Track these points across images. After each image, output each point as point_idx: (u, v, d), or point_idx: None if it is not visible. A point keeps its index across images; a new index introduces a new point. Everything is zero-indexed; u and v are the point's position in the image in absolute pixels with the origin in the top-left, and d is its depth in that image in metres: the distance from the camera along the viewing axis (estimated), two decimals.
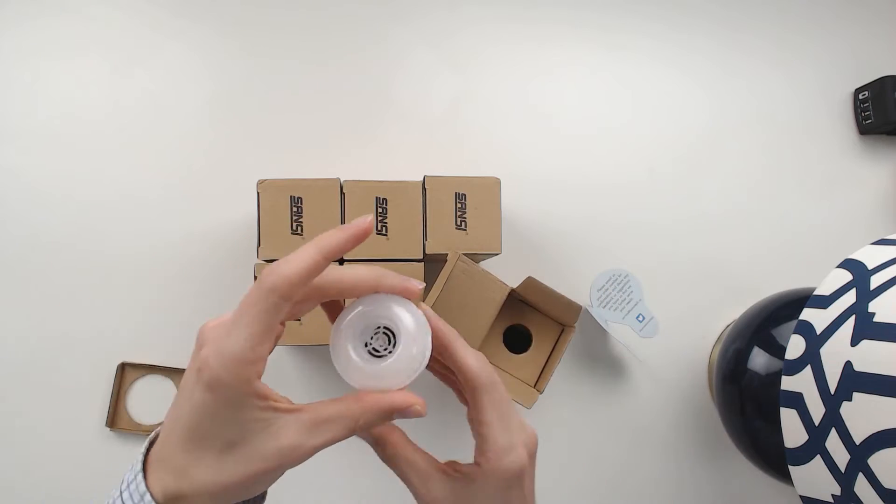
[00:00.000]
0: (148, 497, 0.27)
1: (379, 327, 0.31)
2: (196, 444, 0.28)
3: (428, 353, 0.31)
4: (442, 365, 0.36)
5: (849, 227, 0.70)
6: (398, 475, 0.33)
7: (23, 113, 0.62)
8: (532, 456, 0.33)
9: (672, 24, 0.69)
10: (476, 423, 0.32)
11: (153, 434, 0.31)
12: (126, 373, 0.61)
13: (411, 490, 0.33)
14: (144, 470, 0.29)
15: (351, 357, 0.31)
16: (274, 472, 0.29)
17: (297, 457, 0.28)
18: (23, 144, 0.62)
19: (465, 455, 0.35)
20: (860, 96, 0.69)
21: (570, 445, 0.65)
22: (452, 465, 0.33)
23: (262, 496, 0.35)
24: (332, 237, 0.29)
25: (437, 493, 0.32)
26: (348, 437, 0.30)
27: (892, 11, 0.72)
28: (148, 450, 0.30)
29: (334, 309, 0.33)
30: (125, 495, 0.28)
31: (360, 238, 0.29)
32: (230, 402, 0.27)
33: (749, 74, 0.70)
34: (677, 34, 0.70)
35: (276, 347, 0.60)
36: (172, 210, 0.63)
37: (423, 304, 0.32)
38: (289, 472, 0.30)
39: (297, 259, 0.28)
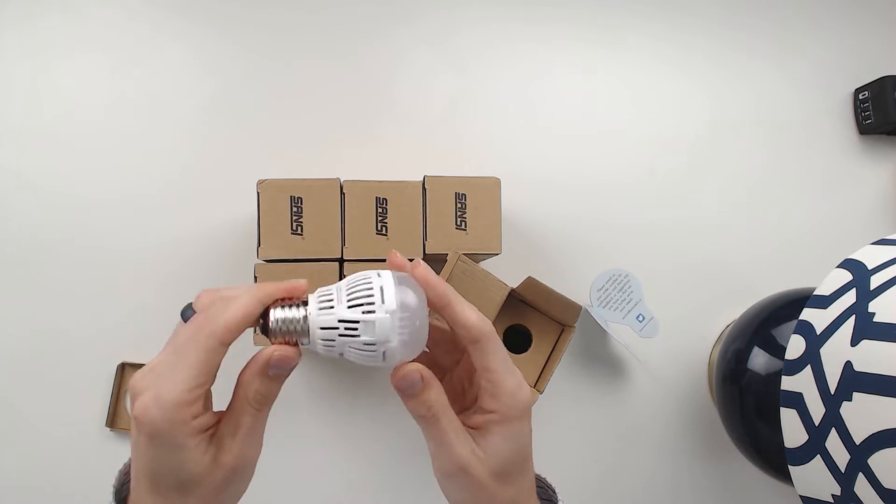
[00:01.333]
0: None
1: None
2: (158, 488, 0.29)
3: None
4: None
5: (849, 227, 0.70)
6: (430, 423, 0.32)
7: (23, 112, 0.62)
8: (530, 393, 0.35)
9: (672, 24, 0.69)
10: (483, 371, 0.32)
11: (120, 480, 0.33)
12: (126, 373, 0.61)
13: (440, 442, 0.32)
14: None
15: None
16: (230, 485, 0.30)
17: (234, 461, 0.30)
18: (23, 144, 0.62)
19: None
20: (860, 96, 0.69)
21: (569, 445, 0.65)
22: (464, 421, 0.33)
23: None
24: (269, 287, 0.30)
25: (466, 446, 0.32)
26: (259, 416, 0.31)
27: (892, 11, 0.72)
28: (124, 487, 0.32)
29: None
30: None
31: (293, 291, 0.31)
32: (170, 448, 0.28)
33: (749, 74, 0.70)
34: (677, 34, 0.70)
35: None
36: (173, 210, 0.63)
37: (420, 262, 0.32)
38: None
39: (237, 307, 0.29)
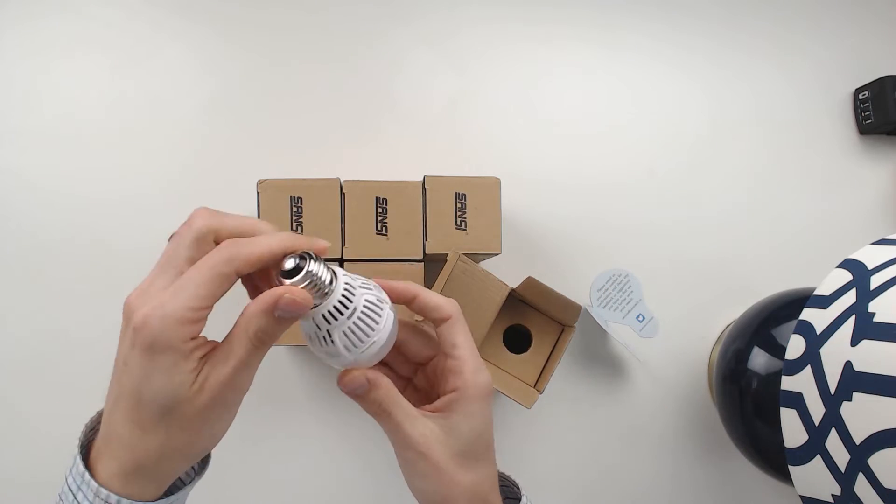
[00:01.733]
0: (94, 484, 0.29)
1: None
2: (138, 413, 0.29)
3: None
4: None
5: (849, 227, 0.70)
6: (383, 419, 0.34)
7: (24, 112, 0.62)
8: (490, 381, 0.37)
9: (672, 23, 0.69)
10: (451, 348, 0.35)
11: (88, 425, 0.33)
12: None
13: (396, 432, 0.34)
14: (87, 458, 0.31)
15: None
16: (210, 417, 0.30)
17: (221, 390, 0.29)
18: (23, 144, 0.62)
19: None
20: (860, 96, 0.69)
21: (569, 445, 0.65)
22: (426, 407, 0.36)
23: (208, 456, 0.36)
24: (297, 236, 0.31)
25: (423, 430, 0.34)
26: (254, 353, 0.30)
27: (892, 11, 0.72)
28: (89, 440, 0.32)
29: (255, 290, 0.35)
30: (69, 480, 0.30)
31: (318, 250, 0.32)
32: (164, 364, 0.28)
33: (749, 74, 0.70)
34: (677, 34, 0.70)
35: (277, 347, 0.61)
36: (173, 210, 0.62)
37: (376, 279, 0.34)
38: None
39: (263, 244, 0.30)
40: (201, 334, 0.30)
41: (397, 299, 0.35)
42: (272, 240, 0.30)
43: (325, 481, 0.63)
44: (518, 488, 0.40)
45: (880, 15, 0.72)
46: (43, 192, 0.62)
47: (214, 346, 0.30)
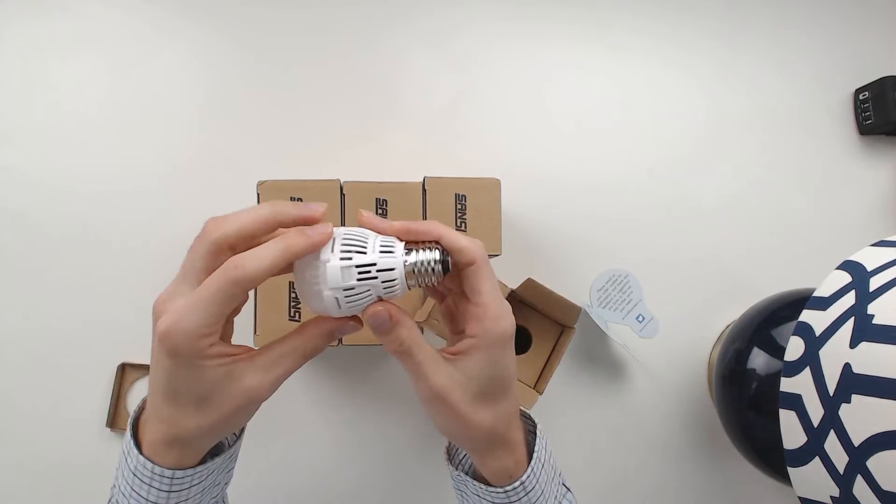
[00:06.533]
0: (133, 447, 0.34)
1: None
2: (174, 399, 0.32)
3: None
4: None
5: (849, 227, 0.70)
6: (405, 358, 0.35)
7: (23, 111, 0.62)
8: (513, 323, 0.37)
9: (672, 23, 0.69)
10: (474, 294, 0.35)
11: (140, 403, 0.36)
12: (126, 373, 0.61)
13: (418, 374, 0.35)
14: (136, 427, 0.35)
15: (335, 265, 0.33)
16: (245, 409, 0.33)
17: (261, 393, 0.33)
18: (23, 143, 0.62)
19: None
20: (860, 96, 0.69)
21: (569, 446, 0.65)
22: (445, 350, 0.36)
23: (241, 430, 0.40)
24: (298, 240, 0.32)
25: (443, 376, 0.35)
26: (301, 364, 0.34)
27: (892, 11, 0.72)
28: (138, 415, 0.35)
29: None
30: (124, 445, 0.35)
31: (320, 244, 0.32)
32: (191, 367, 0.31)
33: (749, 74, 0.70)
34: (677, 33, 0.69)
35: None
36: (172, 210, 0.63)
37: (402, 221, 0.35)
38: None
39: (263, 258, 0.31)
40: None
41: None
42: (274, 254, 0.31)
43: (325, 481, 0.63)
44: (533, 422, 0.41)
45: (880, 15, 0.72)
46: (43, 191, 0.62)
47: (250, 351, 0.33)
